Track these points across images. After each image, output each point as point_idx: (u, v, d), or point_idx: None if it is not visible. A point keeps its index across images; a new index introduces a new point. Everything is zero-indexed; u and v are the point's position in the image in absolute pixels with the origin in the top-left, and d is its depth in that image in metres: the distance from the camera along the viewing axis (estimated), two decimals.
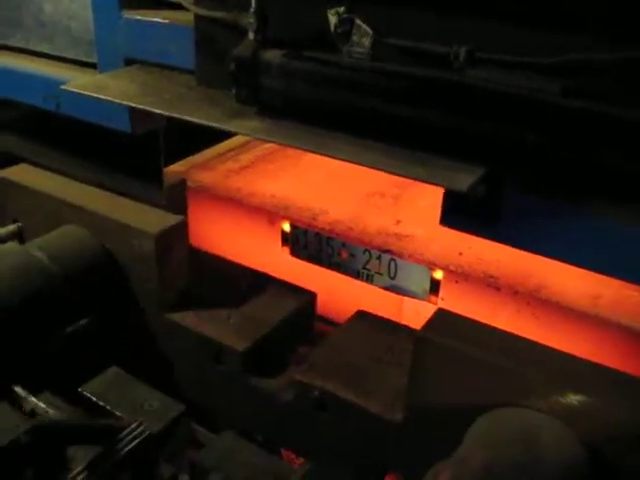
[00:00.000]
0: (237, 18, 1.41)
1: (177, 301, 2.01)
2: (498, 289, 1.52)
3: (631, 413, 1.33)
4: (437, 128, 1.25)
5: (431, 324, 1.56)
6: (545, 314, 1.54)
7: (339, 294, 1.87)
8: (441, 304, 1.62)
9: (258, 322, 1.98)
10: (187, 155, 2.18)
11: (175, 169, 2.09)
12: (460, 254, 1.61)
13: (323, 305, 1.88)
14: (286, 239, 1.77)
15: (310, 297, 2.07)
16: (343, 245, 1.59)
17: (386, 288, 1.62)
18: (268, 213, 1.84)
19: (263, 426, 1.93)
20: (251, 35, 1.36)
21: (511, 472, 1.30)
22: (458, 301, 1.60)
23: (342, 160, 1.22)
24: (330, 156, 1.22)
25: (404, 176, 1.22)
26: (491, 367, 1.46)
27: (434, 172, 1.20)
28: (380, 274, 1.58)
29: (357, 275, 1.62)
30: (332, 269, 1.71)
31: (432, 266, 1.56)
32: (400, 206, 1.92)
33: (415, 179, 1.20)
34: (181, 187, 2.01)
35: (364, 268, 1.57)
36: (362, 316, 2.01)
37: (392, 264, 1.57)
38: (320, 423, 1.78)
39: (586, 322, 1.49)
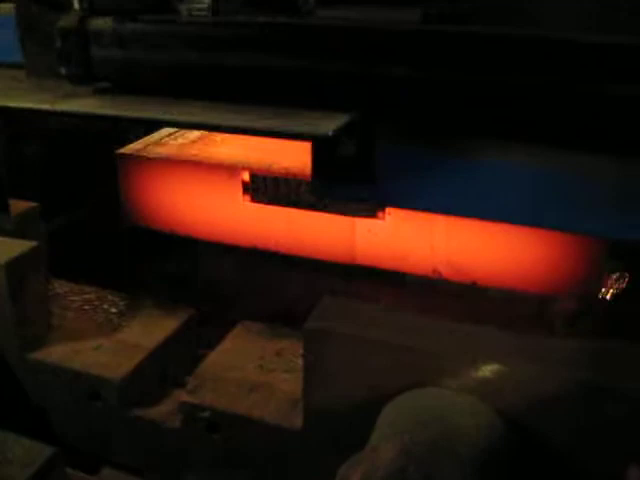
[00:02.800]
0: None
1: (40, 336, 1.77)
2: None
3: (538, 376, 1.27)
4: (295, 79, 1.10)
5: (317, 313, 1.43)
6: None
7: (298, 229, 1.90)
8: (388, 218, 1.69)
9: (133, 349, 1.75)
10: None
11: (131, 147, 2.06)
12: None
13: (285, 242, 1.91)
14: (247, 188, 1.88)
15: (191, 315, 1.91)
16: (299, 183, 1.77)
17: (340, 212, 1.76)
18: (227, 168, 1.90)
19: (153, 460, 1.70)
20: (76, 4, 1.18)
21: (431, 452, 1.18)
22: (402, 213, 1.66)
23: (192, 127, 1.04)
24: (179, 124, 1.04)
25: (265, 134, 1.05)
26: (391, 348, 1.34)
27: (296, 124, 1.03)
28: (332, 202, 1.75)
29: (313, 207, 1.78)
30: (291, 207, 1.83)
31: None
32: None
33: (276, 135, 1.03)
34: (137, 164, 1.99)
35: (318, 200, 1.75)
36: (245, 326, 1.88)
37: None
38: (215, 445, 1.61)
39: None
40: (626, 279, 1.74)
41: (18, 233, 1.85)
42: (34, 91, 1.32)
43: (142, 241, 2.07)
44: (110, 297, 2.00)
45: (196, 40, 1.12)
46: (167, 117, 1.06)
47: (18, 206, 1.98)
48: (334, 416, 1.46)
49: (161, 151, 2.06)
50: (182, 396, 1.66)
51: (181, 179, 2.01)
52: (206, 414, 1.61)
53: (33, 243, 1.76)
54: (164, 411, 1.71)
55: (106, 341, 1.82)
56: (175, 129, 2.19)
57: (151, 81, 1.17)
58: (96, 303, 1.98)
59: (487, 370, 1.30)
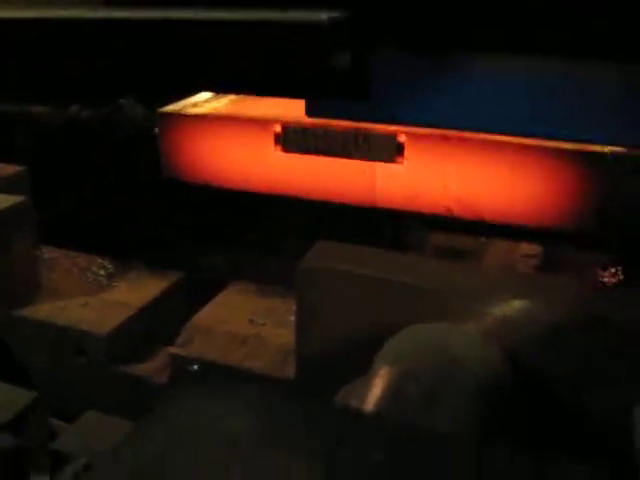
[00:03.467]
0: None
1: (27, 294, 1.73)
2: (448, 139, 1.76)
3: (538, 313, 1.25)
4: None
5: (311, 254, 1.39)
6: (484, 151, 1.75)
7: (325, 176, 2.00)
8: (406, 163, 1.82)
9: (121, 307, 1.70)
10: None
11: (169, 108, 2.12)
12: None
13: (313, 189, 2.00)
14: (278, 140, 1.96)
15: (180, 277, 1.88)
16: (325, 133, 1.89)
17: (362, 158, 1.87)
18: (259, 122, 1.99)
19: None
20: None
21: (432, 376, 1.14)
22: (419, 158, 1.82)
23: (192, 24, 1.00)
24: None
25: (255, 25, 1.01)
26: (387, 285, 1.30)
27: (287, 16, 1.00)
28: (356, 148, 1.89)
29: (339, 154, 1.90)
30: (319, 154, 1.94)
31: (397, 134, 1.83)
32: None
33: (265, 28, 0.99)
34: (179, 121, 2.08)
35: (343, 147, 1.88)
36: (236, 285, 1.84)
37: (363, 139, 1.87)
38: None
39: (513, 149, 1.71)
40: (620, 272, 1.74)
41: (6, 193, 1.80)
42: None
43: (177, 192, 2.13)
44: (99, 261, 1.96)
45: None
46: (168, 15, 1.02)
47: (6, 169, 1.95)
48: (329, 362, 1.39)
49: (198, 110, 2.12)
50: (171, 350, 1.60)
51: (217, 134, 2.08)
52: (195, 367, 1.54)
53: (21, 198, 1.72)
54: (151, 368, 1.67)
55: (93, 299, 1.78)
56: (208, 95, 2.24)
57: None
58: (84, 266, 1.94)
59: (487, 306, 1.26)
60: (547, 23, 1.08)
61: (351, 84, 1.17)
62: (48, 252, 1.99)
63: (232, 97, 2.25)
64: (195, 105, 2.18)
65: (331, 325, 1.37)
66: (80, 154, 2.37)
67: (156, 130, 2.25)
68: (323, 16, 1.01)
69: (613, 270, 1.77)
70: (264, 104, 2.12)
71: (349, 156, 1.92)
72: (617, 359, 1.20)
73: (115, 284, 1.87)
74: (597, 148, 1.66)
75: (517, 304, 1.27)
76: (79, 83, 1.40)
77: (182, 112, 2.12)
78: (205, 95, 2.26)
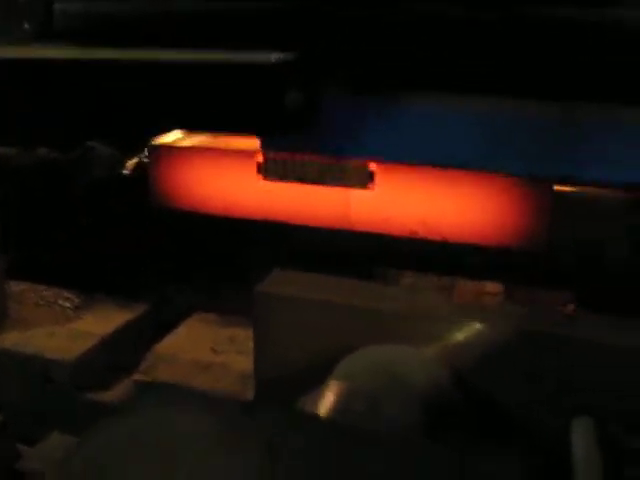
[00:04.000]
0: None
1: None
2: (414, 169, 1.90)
3: (479, 334, 1.34)
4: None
5: (268, 280, 1.48)
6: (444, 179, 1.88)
7: (304, 200, 2.11)
8: (376, 189, 1.96)
9: (87, 336, 1.75)
10: None
11: (160, 140, 2.21)
12: None
13: (292, 213, 2.10)
14: (260, 169, 2.09)
15: (146, 309, 1.93)
16: (303, 162, 2.01)
17: (337, 185, 2.01)
18: (243, 153, 2.11)
19: None
20: None
21: (377, 391, 1.23)
22: (388, 185, 1.96)
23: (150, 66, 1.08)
24: (139, 61, 1.08)
25: (209, 68, 1.10)
26: (336, 308, 1.39)
27: (239, 56, 1.09)
28: (331, 176, 2.02)
29: (316, 181, 2.03)
30: (298, 182, 2.05)
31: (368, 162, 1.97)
32: None
33: (217, 63, 1.08)
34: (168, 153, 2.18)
35: (320, 175, 2.01)
36: (199, 315, 1.92)
37: (338, 168, 2.00)
38: None
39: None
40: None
41: None
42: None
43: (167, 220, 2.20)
44: (66, 294, 2.00)
45: None
46: (131, 56, 1.10)
47: None
48: (285, 383, 1.44)
49: (186, 143, 2.24)
50: (135, 377, 1.64)
51: (204, 165, 2.19)
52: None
53: None
54: (116, 394, 1.70)
55: (60, 329, 1.82)
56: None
57: (107, 32, 1.21)
58: (52, 299, 1.98)
59: (437, 330, 1.35)
60: (475, 65, 1.19)
61: (302, 121, 1.26)
62: (14, 285, 2.02)
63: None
64: (184, 138, 2.28)
65: (287, 348, 1.43)
66: (49, 195, 2.40)
67: (125, 171, 2.35)
68: (273, 57, 1.10)
69: (572, 307, 1.78)
70: (247, 137, 2.20)
71: (325, 183, 2.05)
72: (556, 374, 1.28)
73: (82, 315, 1.90)
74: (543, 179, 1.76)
75: (464, 327, 1.34)
76: (46, 126, 1.47)
77: (172, 145, 2.22)
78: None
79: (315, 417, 1.12)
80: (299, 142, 1.28)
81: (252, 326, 1.49)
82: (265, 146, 1.35)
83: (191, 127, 1.73)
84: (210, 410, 0.98)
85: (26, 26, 1.28)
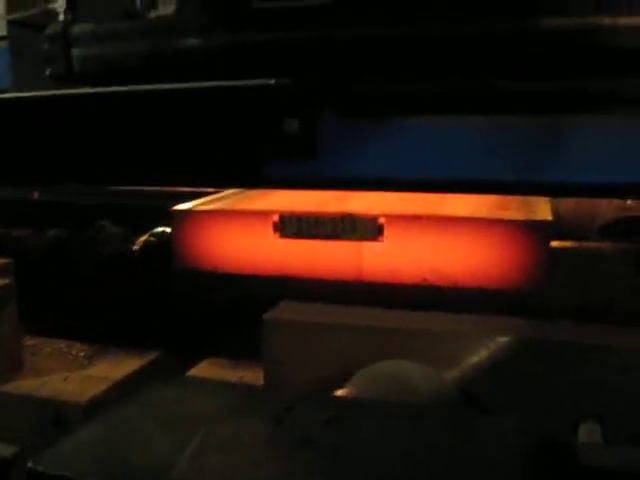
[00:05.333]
0: (47, 10, 1.38)
1: (11, 372, 1.79)
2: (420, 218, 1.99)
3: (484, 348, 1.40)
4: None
5: (276, 309, 1.60)
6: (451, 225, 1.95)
7: (318, 255, 2.15)
8: (386, 240, 2.00)
9: (100, 380, 1.76)
10: None
11: (181, 207, 2.29)
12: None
13: (307, 269, 2.15)
14: (276, 227, 2.15)
15: (157, 355, 1.95)
16: (316, 219, 2.10)
17: (349, 239, 2.07)
18: (260, 213, 2.18)
19: None
20: (61, 16, 1.33)
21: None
22: (397, 237, 2.00)
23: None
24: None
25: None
26: (345, 330, 1.47)
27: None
28: (343, 231, 2.10)
29: (329, 237, 2.10)
30: (312, 238, 2.12)
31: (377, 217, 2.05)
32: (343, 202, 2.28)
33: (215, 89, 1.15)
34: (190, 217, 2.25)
35: (332, 231, 2.09)
36: (210, 361, 1.94)
37: (349, 222, 2.08)
38: None
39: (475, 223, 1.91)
40: None
41: None
42: None
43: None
44: (79, 345, 2.03)
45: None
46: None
47: None
48: None
49: (206, 207, 2.32)
50: None
51: (223, 227, 2.25)
52: None
53: (7, 280, 1.84)
54: None
55: (73, 375, 1.84)
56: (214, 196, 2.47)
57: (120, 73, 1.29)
58: (65, 350, 2.01)
59: (444, 347, 1.41)
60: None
61: (300, 147, 1.30)
62: (28, 339, 2.05)
63: (234, 197, 2.48)
64: (203, 204, 2.38)
65: (295, 373, 1.48)
66: (61, 274, 2.45)
67: (135, 247, 2.42)
68: (271, 81, 1.16)
69: None
70: (263, 199, 2.37)
71: (337, 238, 2.12)
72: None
73: (95, 363, 1.93)
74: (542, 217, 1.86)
75: (468, 342, 1.41)
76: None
77: (193, 209, 2.31)
78: (209, 197, 2.46)
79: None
80: (300, 172, 1.32)
81: (261, 364, 1.54)
82: (267, 181, 1.38)
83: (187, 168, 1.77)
84: (221, 390, 0.99)
85: (47, 71, 1.35)
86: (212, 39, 1.31)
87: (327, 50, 1.27)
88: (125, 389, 1.80)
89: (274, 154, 1.31)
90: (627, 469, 0.72)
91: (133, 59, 1.34)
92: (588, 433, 1.22)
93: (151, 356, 1.97)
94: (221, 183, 2.09)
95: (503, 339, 1.42)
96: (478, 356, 1.40)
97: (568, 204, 2.19)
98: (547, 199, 2.05)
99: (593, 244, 2.01)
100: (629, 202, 2.29)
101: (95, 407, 1.70)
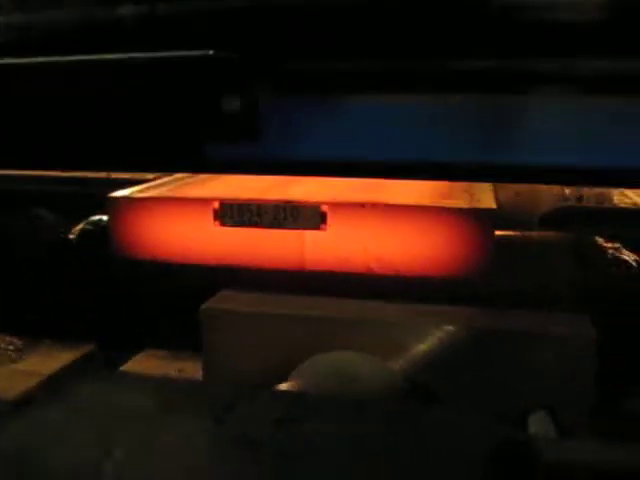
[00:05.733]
0: None
1: None
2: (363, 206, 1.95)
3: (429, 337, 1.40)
4: None
5: (215, 298, 1.59)
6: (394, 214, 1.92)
7: (260, 244, 2.11)
8: (329, 229, 1.96)
9: (30, 375, 1.68)
10: None
11: (118, 194, 2.19)
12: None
13: (248, 258, 2.09)
14: (217, 215, 2.09)
15: (90, 349, 1.89)
16: (259, 207, 2.05)
17: (291, 228, 2.02)
18: (200, 200, 2.11)
19: None
20: None
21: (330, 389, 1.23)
22: (341, 225, 1.97)
23: None
24: None
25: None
26: (287, 320, 1.45)
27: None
28: (285, 219, 2.06)
29: (271, 225, 2.05)
30: (254, 227, 2.06)
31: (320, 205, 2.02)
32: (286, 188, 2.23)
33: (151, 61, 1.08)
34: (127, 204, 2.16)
35: (274, 219, 2.05)
36: (148, 352, 1.88)
37: (291, 211, 2.04)
38: None
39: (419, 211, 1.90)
40: None
41: None
42: None
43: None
44: (8, 338, 1.93)
45: None
46: None
47: None
48: None
49: (145, 194, 2.23)
50: None
51: (162, 214, 2.17)
52: None
53: None
54: None
55: (1, 369, 1.76)
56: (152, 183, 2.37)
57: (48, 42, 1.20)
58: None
59: (389, 336, 1.40)
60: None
61: (242, 128, 1.24)
62: None
63: (174, 183, 2.40)
64: (141, 191, 2.29)
65: (236, 365, 1.44)
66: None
67: (71, 235, 2.32)
68: (210, 52, 1.09)
69: None
70: (203, 186, 2.30)
71: (280, 227, 2.07)
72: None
73: (25, 357, 1.84)
74: (486, 205, 1.86)
75: (414, 332, 1.40)
76: None
77: (130, 196, 2.22)
78: (148, 184, 2.38)
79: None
80: (242, 155, 1.25)
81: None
82: (207, 165, 1.31)
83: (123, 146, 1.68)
84: (155, 386, 0.92)
85: None
86: (145, 7, 1.23)
87: (266, 21, 1.20)
88: (57, 384, 1.72)
89: (214, 135, 1.24)
90: (593, 465, 0.68)
91: (58, 28, 1.26)
92: (538, 424, 1.19)
93: (86, 349, 1.89)
94: (158, 167, 2.01)
95: (448, 328, 1.42)
96: (424, 346, 1.39)
97: (508, 193, 2.22)
98: (490, 187, 2.04)
99: (534, 233, 2.04)
100: (567, 191, 2.32)
101: (24, 403, 1.61)
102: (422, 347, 1.38)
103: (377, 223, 1.98)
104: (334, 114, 1.24)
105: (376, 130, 1.25)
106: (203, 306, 1.50)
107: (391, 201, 1.99)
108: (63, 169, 2.13)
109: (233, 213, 2.15)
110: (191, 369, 1.74)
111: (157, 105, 1.20)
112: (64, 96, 1.19)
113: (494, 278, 1.79)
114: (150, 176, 2.46)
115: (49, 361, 1.81)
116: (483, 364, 1.36)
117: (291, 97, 1.25)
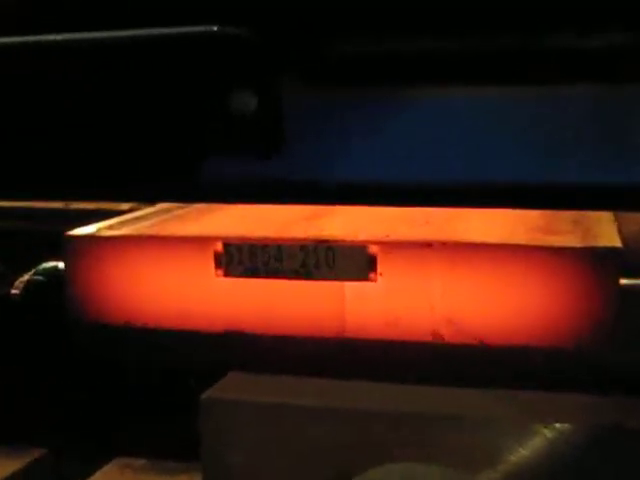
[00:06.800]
0: None
1: None
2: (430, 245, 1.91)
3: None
4: None
5: (220, 385, 1.65)
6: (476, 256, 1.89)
7: (280, 302, 2.10)
8: (380, 279, 1.93)
9: None
10: None
11: (79, 232, 2.20)
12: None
13: (264, 321, 2.08)
14: (219, 261, 2.07)
15: (42, 454, 1.94)
16: (278, 250, 2.02)
17: (325, 278, 2.00)
18: (195, 240, 2.11)
19: None
20: None
21: None
22: (396, 272, 1.94)
23: None
24: None
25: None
26: (324, 414, 1.52)
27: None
28: (317, 266, 2.03)
29: (296, 274, 2.02)
30: (271, 277, 2.05)
31: (367, 244, 1.98)
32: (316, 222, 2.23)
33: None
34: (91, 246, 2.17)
35: (302, 266, 2.01)
36: (120, 463, 1.93)
37: (326, 253, 2.00)
38: None
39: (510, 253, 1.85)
40: None
41: None
42: None
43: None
44: None
45: None
46: None
47: None
48: None
49: (115, 233, 2.20)
50: None
51: (141, 260, 2.16)
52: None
53: None
54: None
55: None
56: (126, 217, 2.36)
57: None
58: None
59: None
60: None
61: (258, 136, 1.22)
62: None
63: (157, 216, 2.39)
64: (111, 227, 2.27)
65: (239, 462, 1.54)
66: None
67: (14, 291, 2.32)
68: (214, 28, 1.08)
69: None
70: (199, 220, 2.29)
71: (309, 277, 2.01)
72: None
73: None
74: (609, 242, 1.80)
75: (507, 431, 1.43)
76: None
77: (95, 234, 2.19)
78: (122, 217, 2.37)
79: None
80: (253, 173, 1.24)
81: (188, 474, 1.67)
82: (205, 191, 1.30)
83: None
84: None
85: None
86: None
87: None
88: None
89: (217, 147, 1.23)
90: None
91: None
92: None
93: (34, 455, 1.92)
94: (135, 194, 1.99)
95: (556, 426, 1.42)
96: (523, 451, 1.39)
97: (633, 226, 2.13)
98: (610, 218, 2.00)
99: None
100: None
101: None
102: (520, 454, 1.37)
103: (450, 270, 1.90)
104: (385, 118, 1.22)
105: (444, 139, 1.22)
106: (204, 395, 1.53)
107: (468, 238, 1.93)
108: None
109: (242, 258, 2.10)
110: None
111: (135, 105, 1.19)
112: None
113: (619, 350, 1.75)
114: (125, 206, 2.46)
115: None
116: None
117: (326, 94, 1.24)
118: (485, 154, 1.25)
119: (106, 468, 1.85)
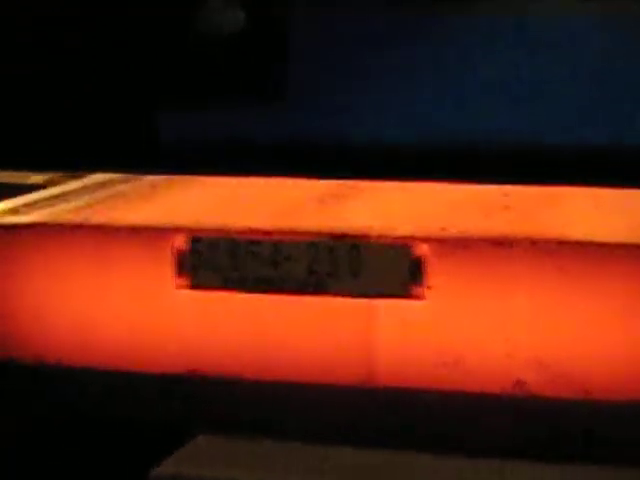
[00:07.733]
0: None
1: None
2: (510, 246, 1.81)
3: None
4: None
5: (180, 454, 1.79)
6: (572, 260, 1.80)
7: (275, 332, 1.98)
8: (429, 296, 1.82)
9: None
10: None
11: None
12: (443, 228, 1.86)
13: (250, 362, 1.97)
14: (182, 265, 1.92)
15: None
16: (276, 247, 1.91)
17: (348, 293, 1.86)
18: (149, 231, 2.00)
19: None
20: None
21: None
22: (453, 284, 1.84)
23: None
24: None
25: None
26: None
27: None
28: (334, 274, 1.90)
29: (301, 288, 1.90)
30: (263, 291, 1.92)
31: (411, 240, 1.85)
32: (333, 206, 2.13)
33: None
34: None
35: (310, 273, 1.89)
36: None
37: (353, 254, 1.88)
38: None
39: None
40: None
41: None
42: None
43: None
44: None
45: None
46: None
47: None
48: None
49: (22, 219, 2.12)
50: None
51: (60, 261, 2.09)
52: None
53: None
54: None
55: None
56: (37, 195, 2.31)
57: None
58: None
59: None
60: None
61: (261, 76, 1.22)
62: None
63: (83, 198, 2.32)
64: (16, 211, 2.15)
65: None
66: None
67: None
68: None
69: None
70: (150, 204, 2.21)
71: (321, 290, 1.87)
72: None
73: None
74: None
75: None
76: None
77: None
78: (32, 195, 2.32)
79: None
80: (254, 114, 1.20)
81: None
82: (164, 158, 1.24)
83: None
84: None
85: None
86: None
87: None
88: None
89: (182, 86, 1.31)
90: None
91: None
92: None
93: None
94: (57, 162, 1.89)
95: None
96: None
97: None
98: None
99: None
100: None
101: None
102: None
103: (539, 283, 1.77)
104: (421, 51, 1.21)
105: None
106: (153, 471, 1.60)
107: (569, 234, 1.78)
108: None
109: (217, 260, 1.97)
110: None
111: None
112: None
113: None
114: (37, 178, 2.41)
115: None
116: None
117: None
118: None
119: None
